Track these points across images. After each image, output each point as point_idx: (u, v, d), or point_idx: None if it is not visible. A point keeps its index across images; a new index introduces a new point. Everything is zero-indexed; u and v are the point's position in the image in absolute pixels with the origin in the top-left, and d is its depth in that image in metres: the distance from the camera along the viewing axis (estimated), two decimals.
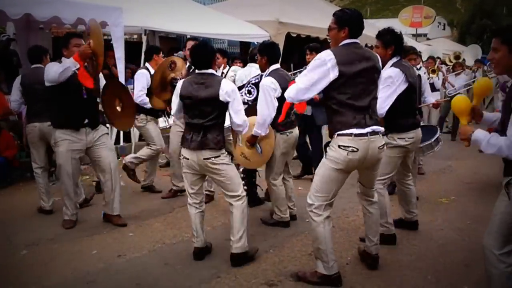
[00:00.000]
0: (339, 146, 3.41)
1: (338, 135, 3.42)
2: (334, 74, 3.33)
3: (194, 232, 4.15)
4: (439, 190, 6.56)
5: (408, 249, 4.43)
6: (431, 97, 5.90)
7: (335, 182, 3.53)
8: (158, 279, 3.79)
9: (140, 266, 4.05)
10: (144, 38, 8.85)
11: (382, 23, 25.84)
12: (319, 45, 6.43)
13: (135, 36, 11.94)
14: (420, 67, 9.80)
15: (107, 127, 5.40)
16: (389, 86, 4.10)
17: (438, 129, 5.57)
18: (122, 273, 3.90)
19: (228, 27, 10.36)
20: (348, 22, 3.44)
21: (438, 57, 11.02)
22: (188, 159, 3.96)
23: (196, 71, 4.07)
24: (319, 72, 3.36)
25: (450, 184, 6.97)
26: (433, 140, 5.16)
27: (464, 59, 12.52)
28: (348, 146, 3.38)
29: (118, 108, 5.16)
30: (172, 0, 10.71)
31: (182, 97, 3.98)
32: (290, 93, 3.51)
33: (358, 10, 3.61)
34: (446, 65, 12.71)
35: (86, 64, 4.57)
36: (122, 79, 7.70)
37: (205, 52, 3.99)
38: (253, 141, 4.66)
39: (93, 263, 4.10)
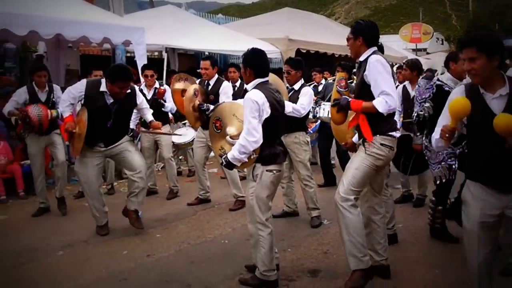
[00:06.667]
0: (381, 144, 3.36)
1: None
2: None
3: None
4: None
5: (414, 246, 4.41)
6: None
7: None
8: (185, 276, 3.82)
9: (168, 264, 4.09)
10: (164, 55, 8.99)
11: (385, 39, 25.80)
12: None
13: (156, 53, 12.08)
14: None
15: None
16: None
17: None
18: (151, 271, 3.95)
19: (241, 44, 10.44)
20: (361, 31, 3.47)
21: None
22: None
23: (260, 80, 3.49)
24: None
25: None
26: None
27: None
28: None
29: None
30: (190, 20, 10.89)
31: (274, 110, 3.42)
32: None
33: (372, 21, 3.63)
34: None
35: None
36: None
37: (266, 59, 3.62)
38: None
39: (124, 262, 4.15)
